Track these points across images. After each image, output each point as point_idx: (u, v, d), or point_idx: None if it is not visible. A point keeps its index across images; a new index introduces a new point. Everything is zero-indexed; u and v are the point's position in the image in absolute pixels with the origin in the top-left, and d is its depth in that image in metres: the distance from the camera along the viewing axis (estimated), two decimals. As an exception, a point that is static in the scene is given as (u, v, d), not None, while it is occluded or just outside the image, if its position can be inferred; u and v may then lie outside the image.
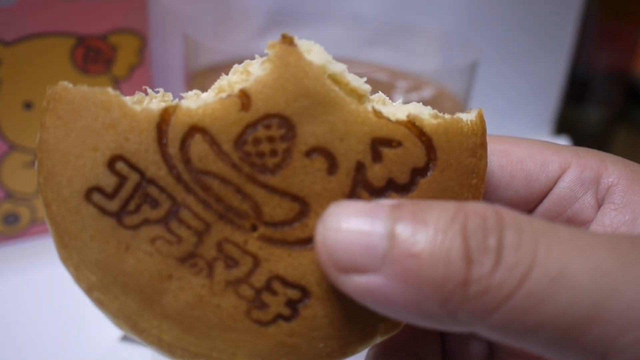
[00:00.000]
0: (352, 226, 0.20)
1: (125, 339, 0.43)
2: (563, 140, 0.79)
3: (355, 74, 0.24)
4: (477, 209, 0.20)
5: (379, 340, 0.24)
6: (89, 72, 0.50)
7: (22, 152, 0.49)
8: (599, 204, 0.26)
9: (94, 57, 0.50)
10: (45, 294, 0.47)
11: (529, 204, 0.28)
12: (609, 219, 0.26)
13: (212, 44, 0.57)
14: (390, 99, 0.25)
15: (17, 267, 0.49)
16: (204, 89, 0.24)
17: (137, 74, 0.52)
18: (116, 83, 0.51)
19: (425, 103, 0.25)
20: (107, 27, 0.49)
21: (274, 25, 0.65)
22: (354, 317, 0.23)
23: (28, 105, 0.48)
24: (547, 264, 0.19)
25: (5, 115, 0.47)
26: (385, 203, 0.21)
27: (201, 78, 0.55)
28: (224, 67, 0.53)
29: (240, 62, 0.24)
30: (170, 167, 0.22)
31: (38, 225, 0.52)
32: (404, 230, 0.20)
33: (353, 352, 0.24)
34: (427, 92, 0.55)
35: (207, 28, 0.60)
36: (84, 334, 0.43)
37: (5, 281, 0.47)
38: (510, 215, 0.20)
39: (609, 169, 0.26)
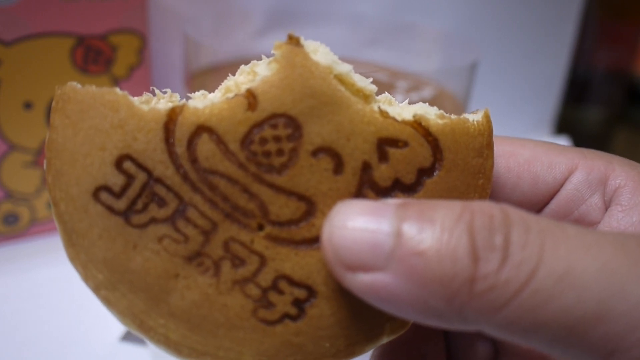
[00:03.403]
0: (358, 224, 0.20)
1: (125, 339, 0.43)
2: (563, 140, 0.79)
3: (357, 73, 0.24)
4: (483, 208, 0.20)
5: (385, 340, 0.24)
6: (89, 72, 0.49)
7: (22, 152, 0.49)
8: (606, 206, 0.26)
9: (94, 57, 0.49)
10: (45, 294, 0.47)
11: (535, 206, 0.28)
12: (616, 221, 0.26)
13: (212, 44, 0.57)
14: None
15: (17, 267, 0.49)
16: (204, 89, 0.25)
17: (137, 74, 0.52)
18: (116, 83, 0.51)
19: (426, 103, 0.25)
20: (107, 27, 0.49)
21: (274, 25, 0.65)
22: (361, 316, 0.24)
23: (28, 105, 0.48)
24: (553, 262, 0.19)
25: (5, 115, 0.47)
26: (392, 202, 0.21)
27: (201, 78, 0.55)
28: (224, 67, 0.53)
29: (240, 62, 0.24)
30: (177, 167, 0.23)
31: (38, 225, 0.52)
32: (410, 229, 0.20)
33: (360, 352, 0.24)
34: (427, 92, 0.55)
35: (207, 28, 0.60)
36: (84, 333, 0.43)
37: (5, 281, 0.47)
38: (517, 214, 0.20)
39: (616, 170, 0.26)
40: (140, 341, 0.43)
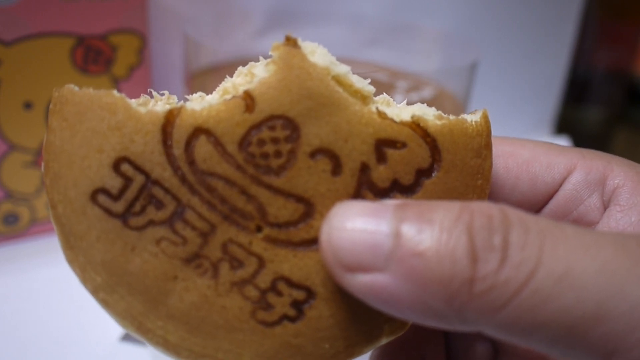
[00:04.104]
0: (357, 225, 0.20)
1: (125, 339, 0.43)
2: (563, 140, 0.79)
3: (356, 74, 0.24)
4: (482, 208, 0.20)
5: (384, 341, 0.24)
6: (89, 72, 0.49)
7: (22, 152, 0.49)
8: (605, 206, 0.26)
9: (94, 57, 0.49)
10: (45, 294, 0.47)
11: (534, 206, 0.28)
12: (615, 221, 0.26)
13: (212, 44, 0.57)
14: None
15: (17, 267, 0.49)
16: (204, 89, 0.24)
17: (137, 74, 0.52)
18: (116, 83, 0.51)
19: (425, 103, 0.25)
20: (107, 27, 0.49)
21: (274, 25, 0.65)
22: (360, 318, 0.23)
23: (28, 105, 0.48)
24: (553, 262, 0.19)
25: (5, 115, 0.47)
26: (390, 203, 0.21)
27: (201, 78, 0.55)
28: (224, 67, 0.53)
29: (241, 62, 0.24)
30: (175, 169, 0.22)
31: (38, 225, 0.52)
32: (409, 230, 0.20)
33: (359, 353, 0.24)
34: (427, 92, 0.55)
35: (207, 28, 0.60)
36: (84, 334, 0.43)
37: (5, 281, 0.47)
38: (516, 214, 0.20)
39: (615, 170, 0.26)
40: (140, 341, 0.43)
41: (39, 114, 0.48)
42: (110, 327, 0.44)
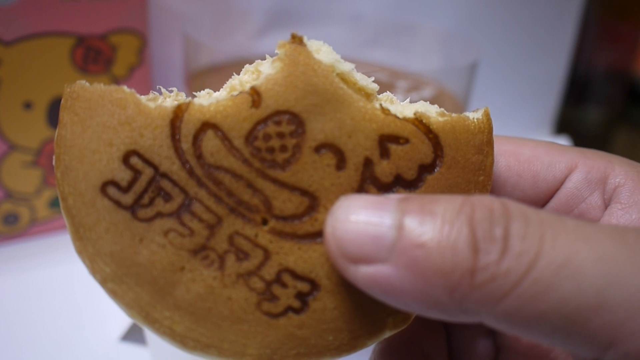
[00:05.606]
0: (360, 218, 0.21)
1: (125, 339, 0.43)
2: (563, 140, 0.79)
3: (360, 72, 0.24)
4: (483, 201, 0.20)
5: (387, 334, 0.24)
6: (89, 72, 0.50)
7: (22, 152, 0.49)
8: (606, 204, 0.27)
9: (94, 57, 0.49)
10: (44, 294, 0.47)
11: (536, 204, 0.28)
12: (616, 219, 0.26)
13: (212, 44, 0.57)
14: None
15: (17, 267, 0.49)
16: (204, 88, 0.25)
17: (137, 74, 0.52)
18: (116, 83, 0.51)
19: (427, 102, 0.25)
20: (107, 27, 0.49)
21: (274, 25, 0.65)
22: (364, 310, 0.24)
23: (28, 105, 0.48)
24: (553, 253, 0.19)
25: (5, 115, 0.47)
26: (393, 196, 0.21)
27: (201, 78, 0.55)
28: (224, 67, 0.53)
29: (240, 61, 0.25)
30: (183, 162, 0.23)
31: (38, 225, 0.52)
32: (411, 222, 0.20)
33: (362, 346, 0.24)
34: (427, 92, 0.55)
35: (207, 28, 0.60)
36: (84, 334, 0.43)
37: (5, 281, 0.47)
38: (517, 207, 0.20)
39: (616, 169, 0.27)
40: (140, 341, 0.43)
41: (39, 114, 0.48)
42: (110, 327, 0.44)
